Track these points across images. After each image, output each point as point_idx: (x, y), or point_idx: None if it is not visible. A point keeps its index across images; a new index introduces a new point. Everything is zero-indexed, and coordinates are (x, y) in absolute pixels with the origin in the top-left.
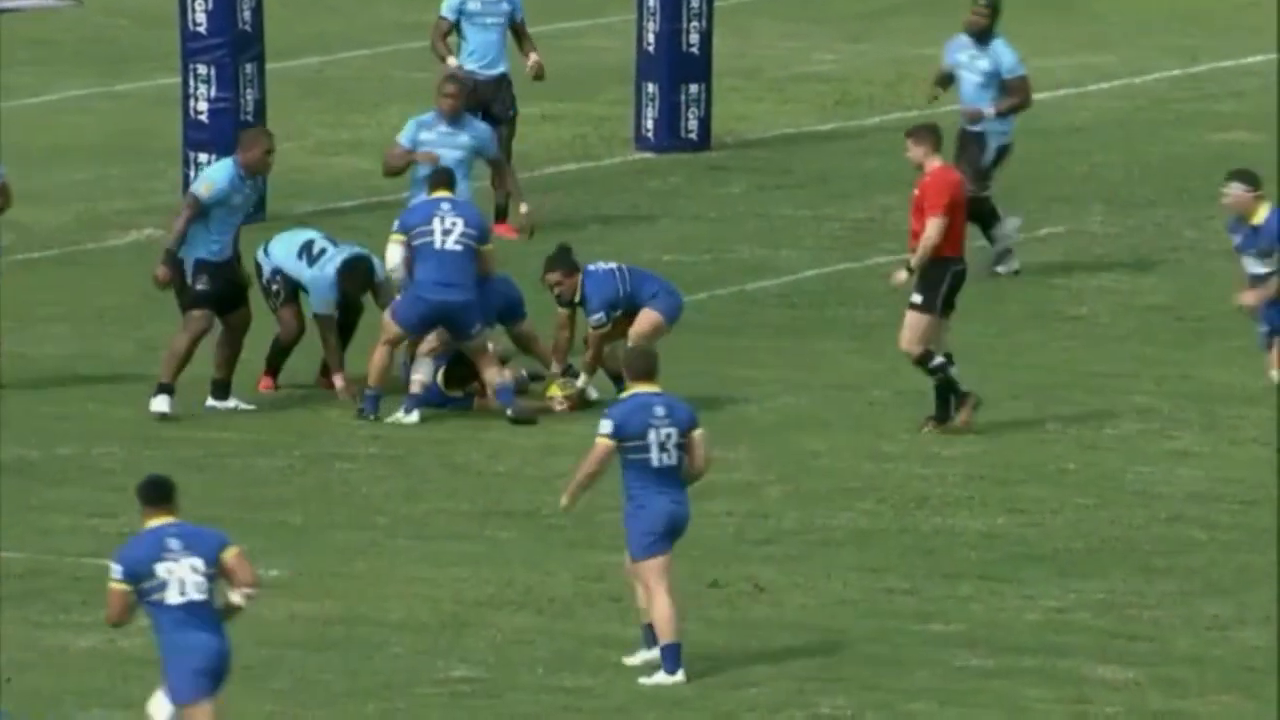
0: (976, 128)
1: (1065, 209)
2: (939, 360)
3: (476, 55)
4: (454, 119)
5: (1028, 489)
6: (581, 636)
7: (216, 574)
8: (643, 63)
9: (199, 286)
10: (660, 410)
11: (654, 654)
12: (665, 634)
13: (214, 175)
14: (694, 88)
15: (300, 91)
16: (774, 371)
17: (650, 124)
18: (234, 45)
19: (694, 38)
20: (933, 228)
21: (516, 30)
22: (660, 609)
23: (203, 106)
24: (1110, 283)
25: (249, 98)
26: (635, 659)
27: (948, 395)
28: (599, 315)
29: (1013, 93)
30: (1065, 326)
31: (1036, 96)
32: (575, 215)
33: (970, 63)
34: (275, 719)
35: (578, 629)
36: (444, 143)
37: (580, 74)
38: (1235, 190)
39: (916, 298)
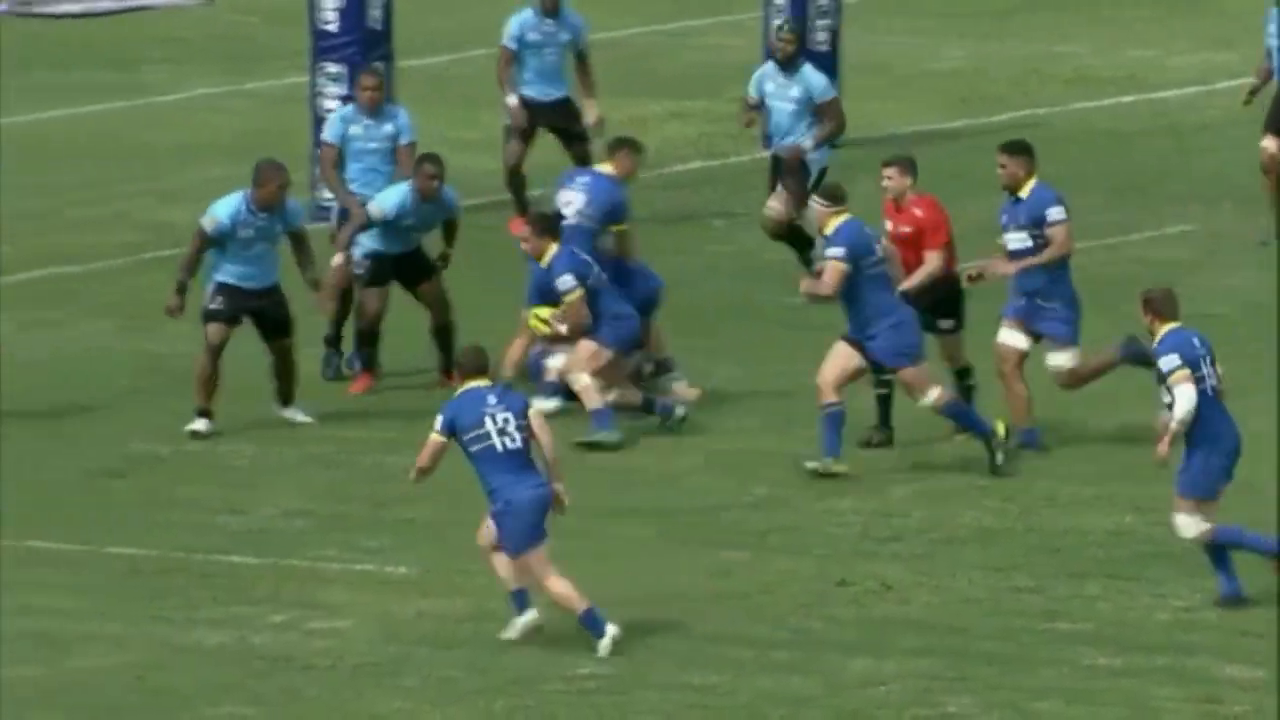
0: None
1: (1195, 207)
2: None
3: (536, 82)
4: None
5: (1156, 488)
6: (708, 634)
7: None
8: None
9: (210, 305)
10: (492, 399)
11: (529, 617)
12: (579, 605)
13: (217, 209)
14: None
15: (428, 89)
16: None
17: None
18: (363, 44)
19: (822, 35)
20: (935, 261)
21: (581, 63)
22: (558, 587)
23: (332, 105)
24: (1240, 281)
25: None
26: (513, 631)
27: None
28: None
29: (825, 117)
30: (1195, 325)
31: (1164, 94)
32: (701, 213)
33: (780, 91)
34: (404, 716)
35: (704, 627)
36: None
37: (706, 71)
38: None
39: (947, 323)
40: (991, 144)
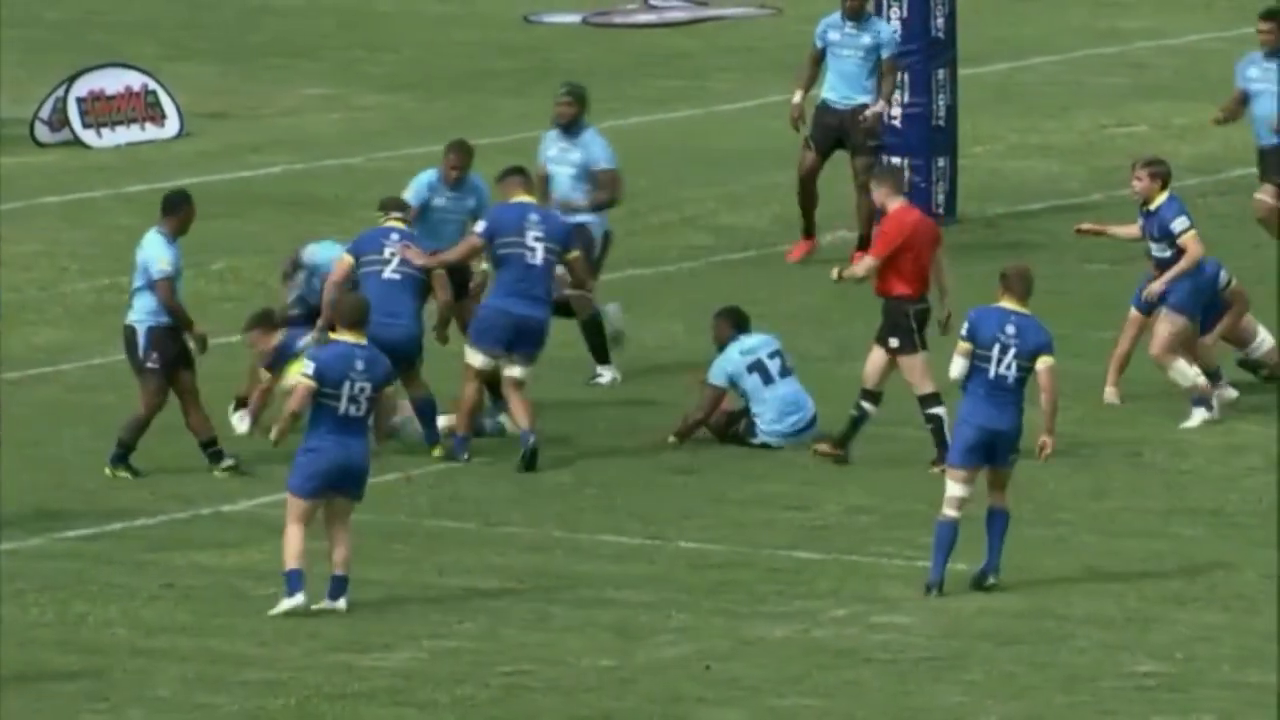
0: (580, 218)
1: None
2: (939, 410)
3: (833, 86)
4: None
5: None
6: (1268, 633)
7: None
8: (890, 135)
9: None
10: (360, 364)
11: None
12: (293, 561)
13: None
14: (941, 161)
15: (991, 96)
16: None
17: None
18: (927, 51)
19: (941, 111)
20: (865, 265)
21: (880, 69)
22: (291, 541)
23: (896, 111)
24: None
25: (940, 103)
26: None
27: (942, 436)
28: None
29: (602, 187)
30: None
31: None
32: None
33: (561, 156)
34: (964, 710)
35: (1265, 625)
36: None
37: None
38: None
39: (894, 342)
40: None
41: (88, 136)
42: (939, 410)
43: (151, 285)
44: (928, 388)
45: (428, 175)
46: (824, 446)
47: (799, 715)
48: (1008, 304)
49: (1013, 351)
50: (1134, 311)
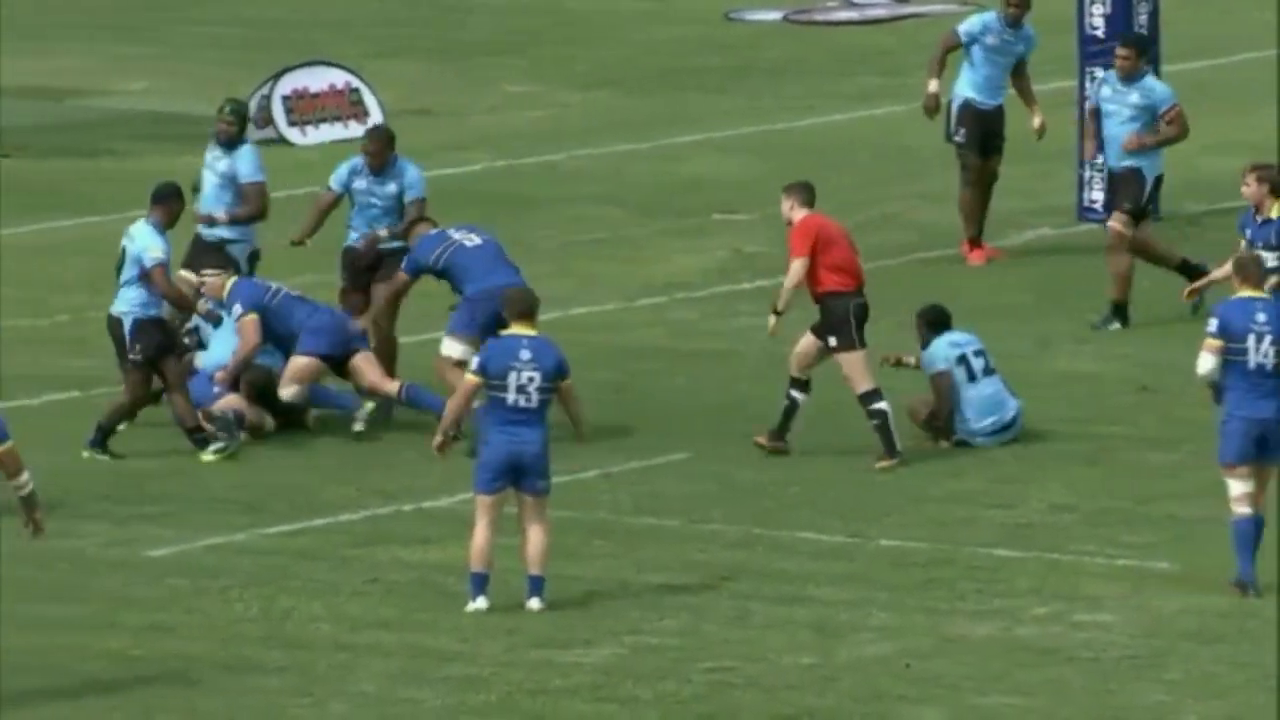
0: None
1: None
2: (882, 405)
3: (976, 86)
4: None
5: None
6: None
7: None
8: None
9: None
10: (525, 354)
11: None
12: (476, 564)
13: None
14: None
15: (1194, 92)
16: None
17: (1096, 196)
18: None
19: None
20: (792, 271)
21: (1020, 73)
22: (476, 541)
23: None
24: None
25: None
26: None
27: (888, 432)
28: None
29: (247, 200)
30: None
31: None
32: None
33: (214, 163)
34: (1165, 709)
35: None
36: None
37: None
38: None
39: (832, 340)
40: None
41: (292, 134)
42: (882, 405)
43: (145, 275)
44: (866, 385)
45: (350, 161)
46: (762, 440)
47: (1001, 714)
48: (1247, 292)
49: (1268, 338)
50: None
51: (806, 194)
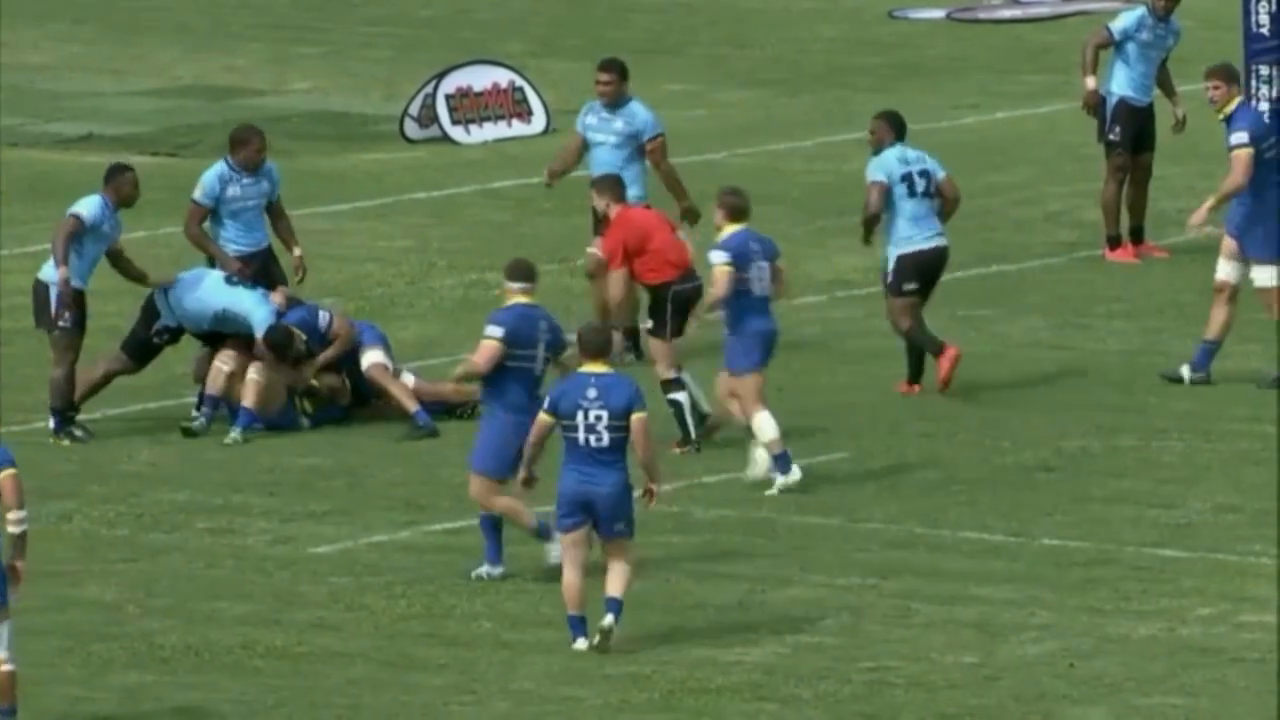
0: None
1: None
2: (679, 395)
3: (1133, 83)
4: (612, 105)
5: None
6: None
7: None
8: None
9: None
10: (592, 392)
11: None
12: (570, 606)
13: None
14: None
15: None
16: None
17: None
18: None
19: None
20: (614, 278)
21: (1162, 67)
22: (566, 583)
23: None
24: None
25: None
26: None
27: (683, 419)
28: None
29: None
30: None
31: None
32: None
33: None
34: None
35: None
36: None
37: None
38: None
39: (649, 323)
40: None
41: (456, 133)
42: (679, 396)
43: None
44: (668, 374)
45: (214, 170)
46: (675, 449)
47: (1164, 714)
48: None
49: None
50: None
51: (617, 190)
